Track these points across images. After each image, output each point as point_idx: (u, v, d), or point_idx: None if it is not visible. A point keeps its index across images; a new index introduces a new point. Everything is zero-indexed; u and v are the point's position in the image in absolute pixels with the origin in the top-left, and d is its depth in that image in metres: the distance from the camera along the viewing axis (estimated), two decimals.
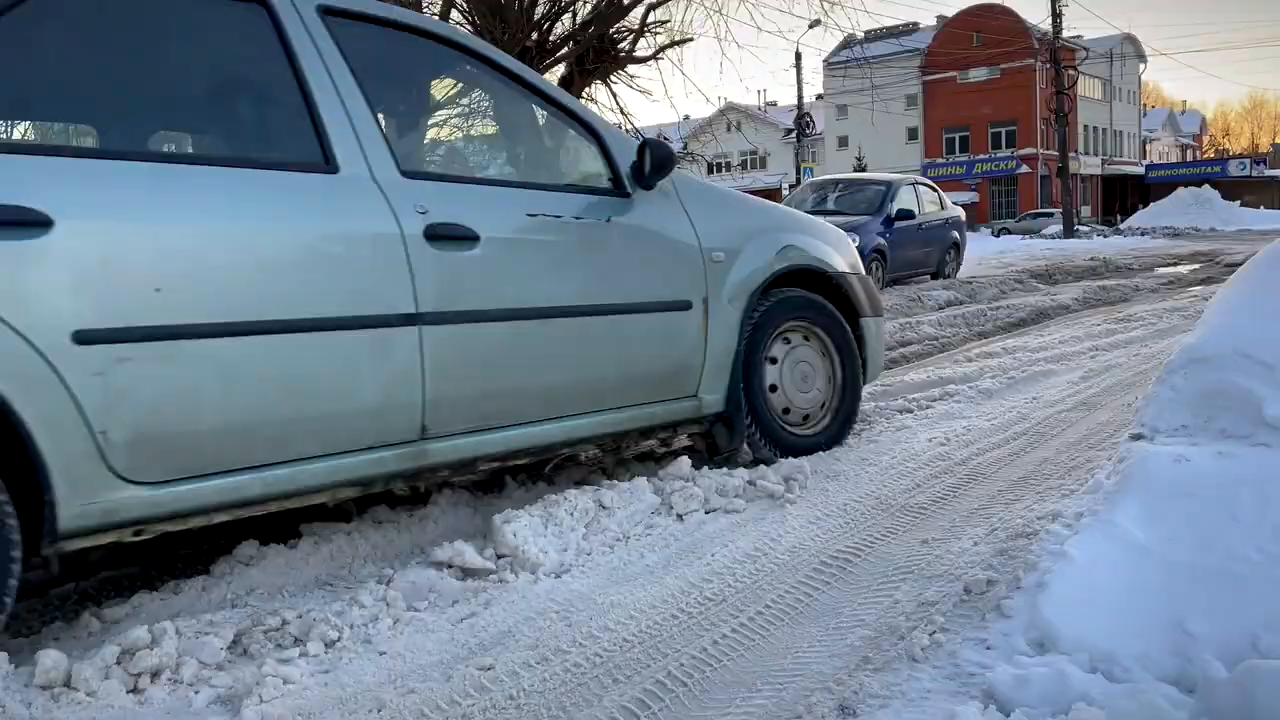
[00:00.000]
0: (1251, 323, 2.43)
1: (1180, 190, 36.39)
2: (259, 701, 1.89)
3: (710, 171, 41.98)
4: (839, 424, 3.70)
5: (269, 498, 2.38)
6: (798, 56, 34.64)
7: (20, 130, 2.40)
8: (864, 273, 3.90)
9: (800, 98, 35.84)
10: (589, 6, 11.16)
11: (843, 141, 55.15)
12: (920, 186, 13.65)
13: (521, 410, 2.82)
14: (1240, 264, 2.77)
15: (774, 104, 60.69)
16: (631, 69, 11.48)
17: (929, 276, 12.96)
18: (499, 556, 2.58)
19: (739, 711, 1.80)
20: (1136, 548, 1.97)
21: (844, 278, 3.71)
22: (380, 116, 2.72)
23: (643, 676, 1.94)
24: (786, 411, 3.52)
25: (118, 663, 2.00)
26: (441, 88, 3.21)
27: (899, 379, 5.30)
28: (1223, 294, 2.69)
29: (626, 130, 12.10)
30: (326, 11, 2.66)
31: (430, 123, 3.14)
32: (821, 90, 54.67)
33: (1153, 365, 4.95)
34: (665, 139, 13.78)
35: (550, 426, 2.89)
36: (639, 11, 11.18)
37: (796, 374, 3.56)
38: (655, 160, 3.09)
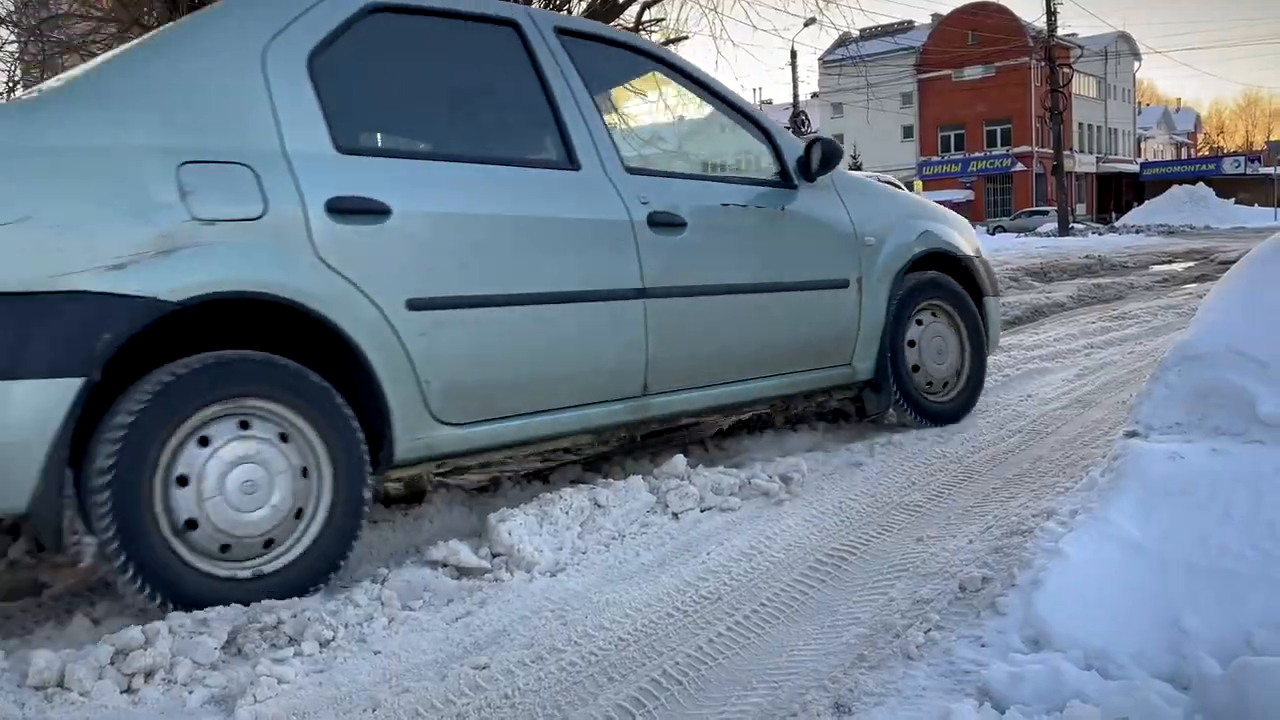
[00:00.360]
0: (1245, 320, 2.43)
1: (1175, 188, 36.49)
2: (253, 701, 1.89)
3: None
4: (968, 392, 4.12)
5: (537, 439, 2.93)
6: (793, 55, 34.69)
7: (362, 137, 2.82)
8: (985, 255, 4.33)
9: (795, 96, 35.87)
10: (584, 5, 11.17)
11: (838, 140, 55.15)
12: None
13: (715, 373, 3.29)
14: (1235, 261, 2.77)
15: (769, 102, 60.67)
16: None
17: None
18: (494, 555, 2.58)
19: (734, 710, 1.79)
20: (1131, 545, 1.97)
21: (970, 260, 4.16)
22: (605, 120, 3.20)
23: (638, 675, 1.94)
24: (925, 380, 3.95)
25: (111, 663, 1.99)
26: (644, 94, 3.77)
27: None
28: (1217, 291, 2.69)
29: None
30: (560, 31, 3.16)
31: (639, 125, 3.69)
32: (817, 88, 54.69)
33: (1147, 363, 4.96)
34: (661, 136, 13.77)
35: (736, 387, 3.36)
36: (634, 10, 11.18)
37: (932, 347, 3.98)
38: (824, 156, 3.54)
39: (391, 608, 2.31)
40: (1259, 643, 1.69)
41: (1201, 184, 36.20)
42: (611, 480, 3.08)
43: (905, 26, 48.55)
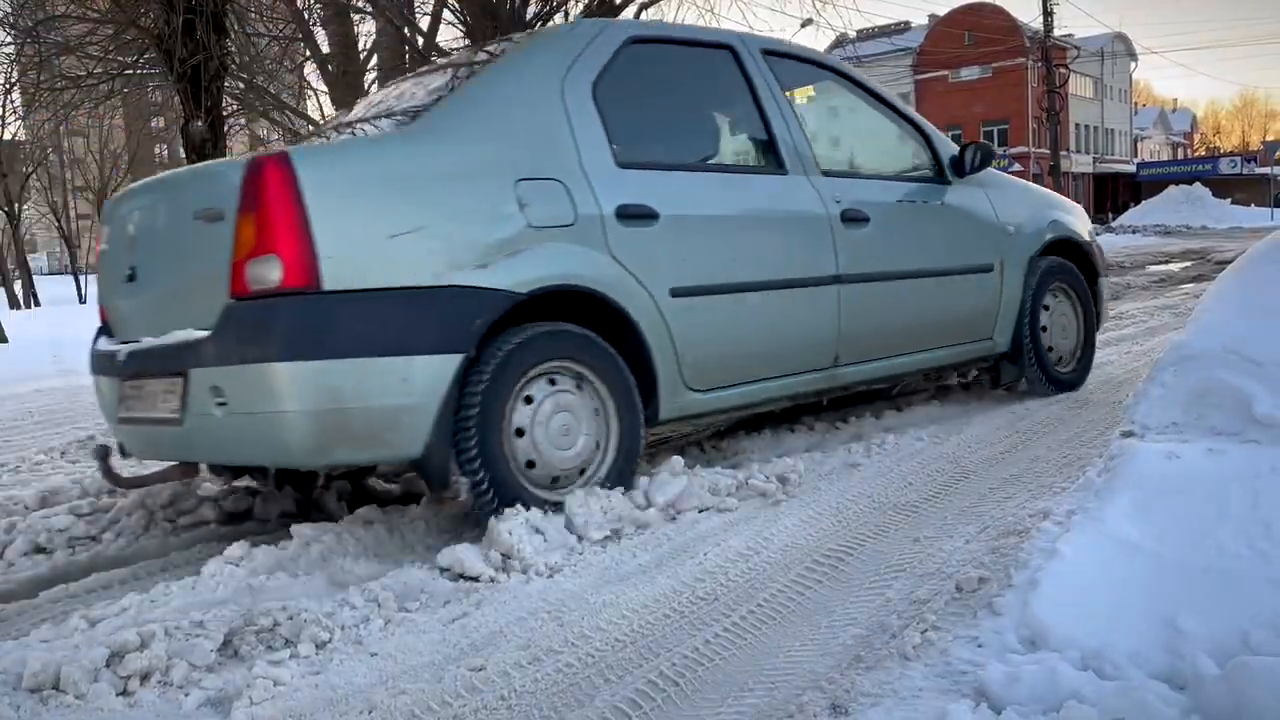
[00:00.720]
0: (1241, 320, 2.44)
1: (1171, 188, 36.49)
2: (249, 704, 1.88)
3: None
4: (1084, 365, 4.57)
5: (753, 404, 3.50)
6: None
7: (633, 153, 3.18)
8: (1097, 239, 4.80)
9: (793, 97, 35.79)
10: (581, 6, 11.16)
11: None
12: None
13: (889, 347, 3.80)
14: (1231, 261, 2.77)
15: None
16: None
17: None
18: (492, 556, 2.57)
19: (731, 711, 1.79)
20: (1127, 545, 1.97)
21: (1088, 245, 4.63)
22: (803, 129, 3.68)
23: (634, 676, 1.94)
24: (1051, 351, 4.41)
25: (107, 665, 1.99)
26: (826, 101, 4.28)
27: None
28: (1213, 291, 2.69)
29: None
30: (764, 51, 3.69)
31: (823, 130, 4.14)
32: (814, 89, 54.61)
33: (1144, 363, 4.97)
34: None
35: (904, 359, 3.88)
36: (630, 11, 11.18)
37: (1058, 324, 4.45)
38: (981, 156, 4.09)
39: (388, 609, 2.30)
40: (1255, 642, 1.69)
41: (1198, 184, 36.21)
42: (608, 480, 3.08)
43: (902, 27, 48.53)
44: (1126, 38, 55.36)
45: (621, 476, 2.97)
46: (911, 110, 4.21)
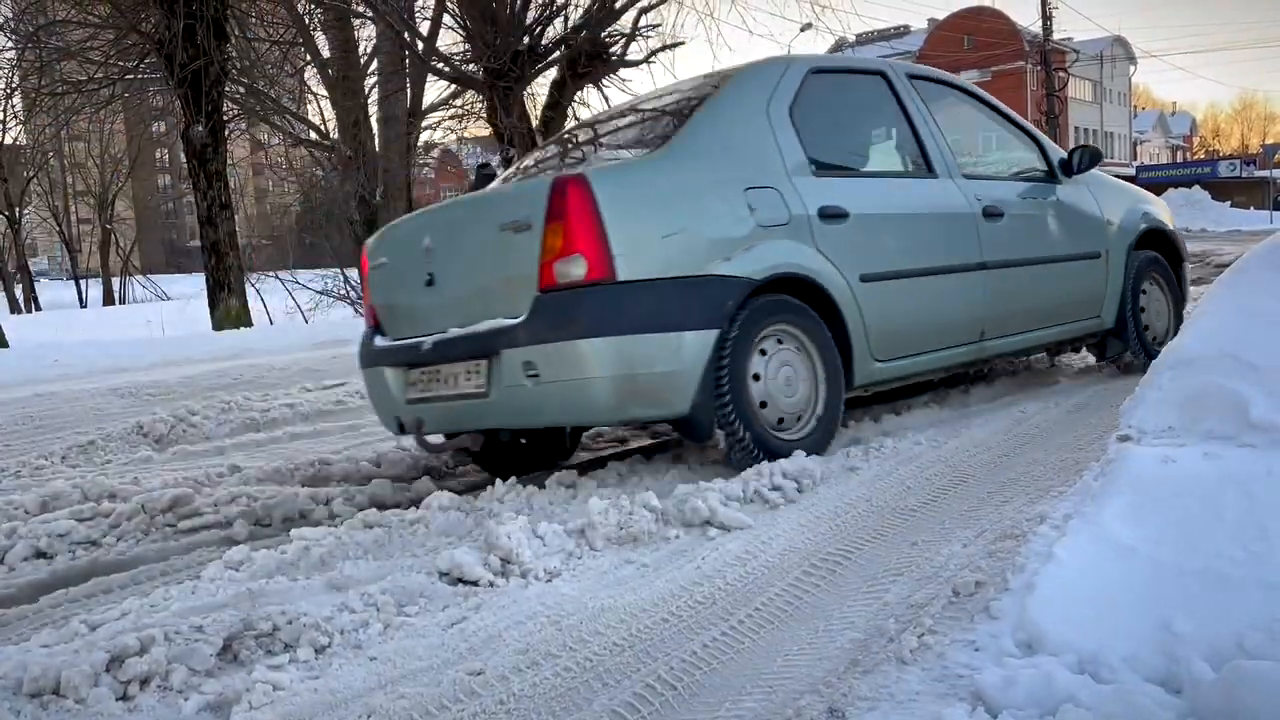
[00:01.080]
0: (1238, 324, 2.44)
1: (1171, 191, 36.41)
2: (248, 708, 1.89)
3: None
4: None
5: (919, 373, 4.12)
6: None
7: (823, 163, 3.84)
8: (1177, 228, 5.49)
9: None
10: (580, 10, 11.18)
11: None
12: None
13: (1021, 324, 4.42)
14: (1230, 264, 2.78)
15: None
16: (623, 72, 11.50)
17: None
18: (491, 560, 2.58)
19: (728, 715, 1.79)
20: (1123, 548, 1.98)
21: (1173, 234, 5.32)
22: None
23: (632, 680, 1.94)
24: (1148, 330, 5.04)
25: (107, 670, 1.99)
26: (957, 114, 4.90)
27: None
28: (1211, 295, 2.70)
29: None
30: (909, 76, 4.42)
31: (957, 139, 4.83)
32: None
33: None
34: None
35: (1033, 334, 4.49)
36: (630, 15, 11.20)
37: (1153, 306, 5.11)
38: (1091, 157, 4.79)
39: (387, 613, 2.31)
40: (1251, 646, 1.69)
41: (1197, 187, 36.16)
42: (606, 484, 3.09)
43: (901, 31, 48.56)
44: (1125, 41, 55.42)
45: (826, 435, 3.61)
46: (1024, 120, 4.94)
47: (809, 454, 3.35)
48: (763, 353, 3.46)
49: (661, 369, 3.21)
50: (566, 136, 4.72)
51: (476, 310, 3.39)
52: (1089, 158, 4.75)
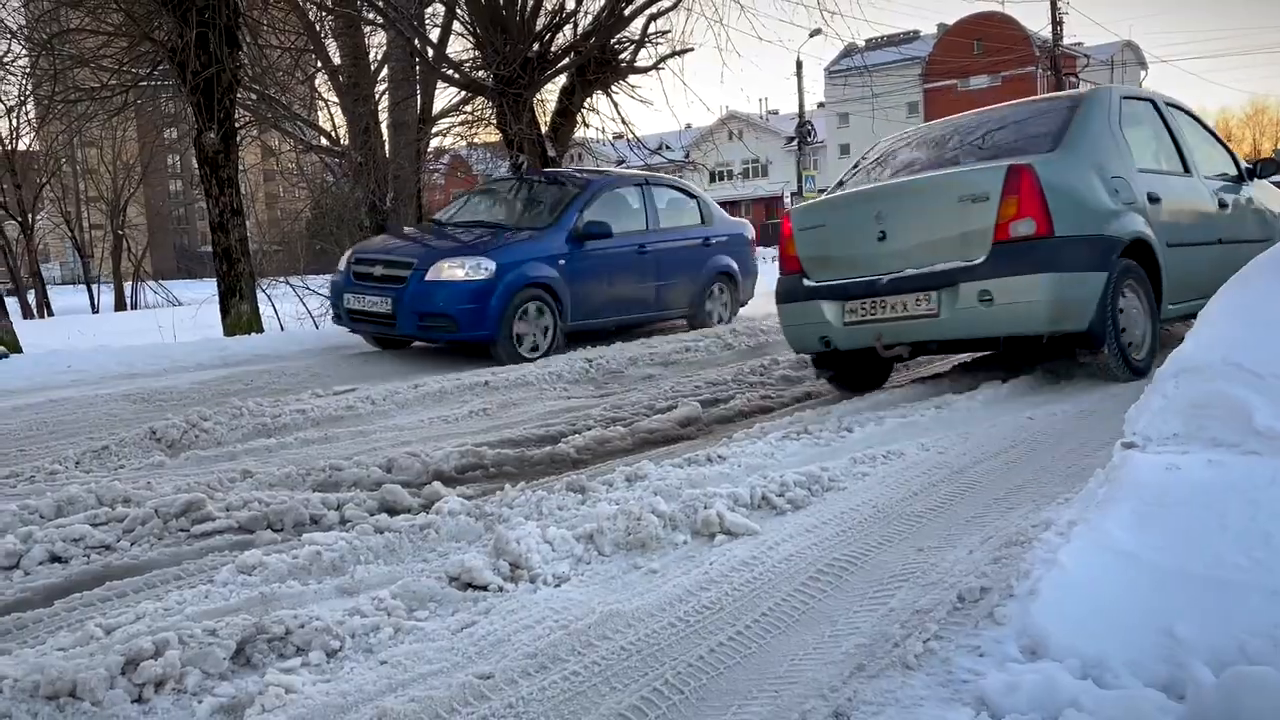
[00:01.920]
0: (1242, 331, 2.45)
1: None
2: (261, 710, 1.92)
3: (712, 180, 41.95)
4: None
5: (1184, 316, 5.28)
6: (798, 65, 34.67)
7: (1138, 163, 5.36)
8: None
9: (801, 106, 35.88)
10: (590, 17, 11.22)
11: (844, 149, 55.16)
12: (658, 189, 9.17)
13: (1200, 292, 4.77)
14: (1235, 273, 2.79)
15: (775, 112, 60.70)
16: (633, 79, 11.53)
17: (684, 321, 9.13)
18: (501, 565, 2.60)
19: (735, 719, 1.82)
20: (1127, 555, 1.99)
21: None
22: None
23: (640, 684, 1.96)
24: None
25: (122, 672, 2.02)
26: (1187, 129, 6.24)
27: (877, 396, 5.30)
28: (1215, 303, 2.71)
29: (628, 139, 12.15)
30: (1165, 102, 5.95)
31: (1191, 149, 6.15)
32: (823, 98, 54.71)
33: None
34: (667, 146, 13.85)
35: (1199, 303, 5.21)
36: (640, 22, 11.23)
37: None
38: (1274, 168, 6.40)
39: (397, 617, 2.33)
40: (1252, 651, 1.70)
41: None
42: (614, 489, 3.11)
43: (911, 36, 48.58)
44: (1136, 46, 55.19)
45: (1150, 359, 4.91)
46: (1213, 130, 6.44)
47: (1144, 375, 4.67)
48: (1122, 294, 4.80)
49: (1077, 296, 4.61)
50: (933, 137, 6.05)
51: (924, 257, 4.83)
52: (1271, 168, 6.42)
